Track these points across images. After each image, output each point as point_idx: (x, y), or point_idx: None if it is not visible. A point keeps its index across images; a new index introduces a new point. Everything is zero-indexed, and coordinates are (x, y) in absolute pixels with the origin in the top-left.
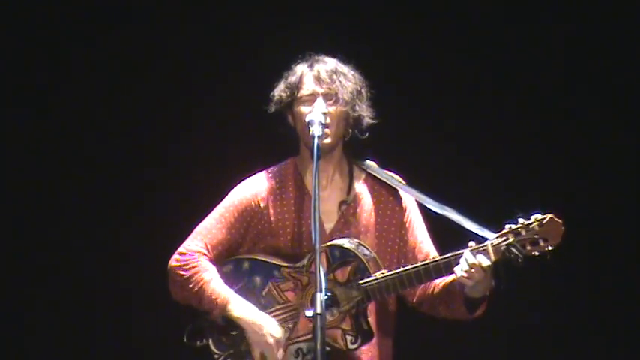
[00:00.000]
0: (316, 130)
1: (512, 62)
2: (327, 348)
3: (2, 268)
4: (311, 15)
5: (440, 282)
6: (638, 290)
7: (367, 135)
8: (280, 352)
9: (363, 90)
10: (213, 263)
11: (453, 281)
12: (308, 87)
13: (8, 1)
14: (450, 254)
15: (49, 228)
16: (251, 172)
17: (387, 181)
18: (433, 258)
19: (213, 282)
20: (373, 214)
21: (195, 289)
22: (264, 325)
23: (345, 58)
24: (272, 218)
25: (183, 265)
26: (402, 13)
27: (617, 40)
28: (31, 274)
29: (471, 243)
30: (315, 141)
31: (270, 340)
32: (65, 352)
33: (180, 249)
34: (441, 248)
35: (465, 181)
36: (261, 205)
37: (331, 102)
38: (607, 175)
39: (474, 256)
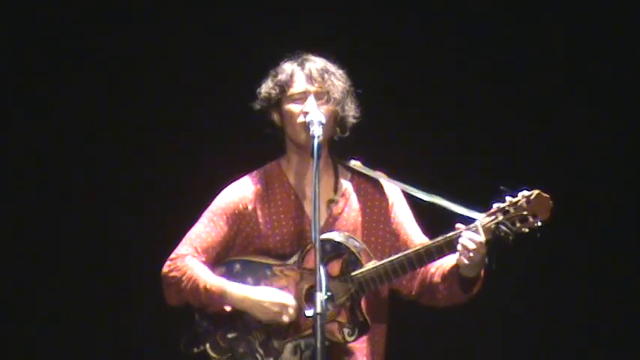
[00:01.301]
0: (316, 130)
1: (512, 62)
2: (326, 343)
3: (2, 268)
4: (311, 15)
5: (436, 270)
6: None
7: (349, 134)
8: (292, 313)
9: (350, 89)
10: (205, 265)
11: (452, 267)
12: (299, 85)
13: (8, 1)
14: (440, 237)
15: (49, 228)
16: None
17: (373, 175)
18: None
19: (205, 275)
20: (360, 212)
21: (190, 286)
22: (265, 298)
23: (333, 57)
24: (260, 220)
25: (175, 268)
26: (402, 13)
27: (617, 40)
28: (30, 274)
29: (459, 225)
30: (316, 141)
31: (276, 309)
32: (65, 352)
33: (171, 255)
34: (432, 235)
35: (452, 169)
36: (249, 208)
37: (322, 101)
38: (602, 168)
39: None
